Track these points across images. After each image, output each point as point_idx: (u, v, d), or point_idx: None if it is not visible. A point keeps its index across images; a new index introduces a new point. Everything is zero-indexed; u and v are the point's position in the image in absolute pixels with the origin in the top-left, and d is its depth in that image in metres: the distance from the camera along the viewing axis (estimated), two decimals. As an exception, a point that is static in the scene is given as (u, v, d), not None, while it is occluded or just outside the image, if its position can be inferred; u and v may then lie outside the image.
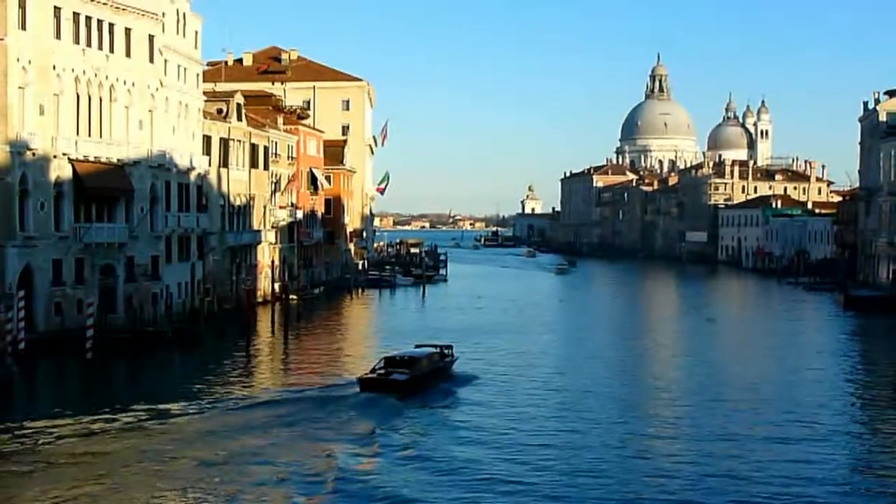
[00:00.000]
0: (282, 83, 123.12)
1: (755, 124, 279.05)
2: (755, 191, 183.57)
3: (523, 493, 29.77)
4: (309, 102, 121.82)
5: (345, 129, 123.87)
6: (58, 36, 58.36)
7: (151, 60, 67.22)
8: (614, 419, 40.72)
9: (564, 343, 67.64)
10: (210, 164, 77.19)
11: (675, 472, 32.51)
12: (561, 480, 31.10)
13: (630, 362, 58.68)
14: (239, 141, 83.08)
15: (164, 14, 68.49)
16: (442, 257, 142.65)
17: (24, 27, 55.68)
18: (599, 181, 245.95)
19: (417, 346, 50.43)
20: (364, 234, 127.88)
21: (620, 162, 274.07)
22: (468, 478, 31.28)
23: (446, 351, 49.74)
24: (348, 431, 37.29)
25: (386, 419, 38.94)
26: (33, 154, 56.12)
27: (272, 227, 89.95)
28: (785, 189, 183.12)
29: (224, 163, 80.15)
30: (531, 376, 51.16)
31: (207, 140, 77.49)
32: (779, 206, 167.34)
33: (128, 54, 64.62)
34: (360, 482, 30.66)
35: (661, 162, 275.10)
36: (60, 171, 58.62)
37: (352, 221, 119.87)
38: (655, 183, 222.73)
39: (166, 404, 41.79)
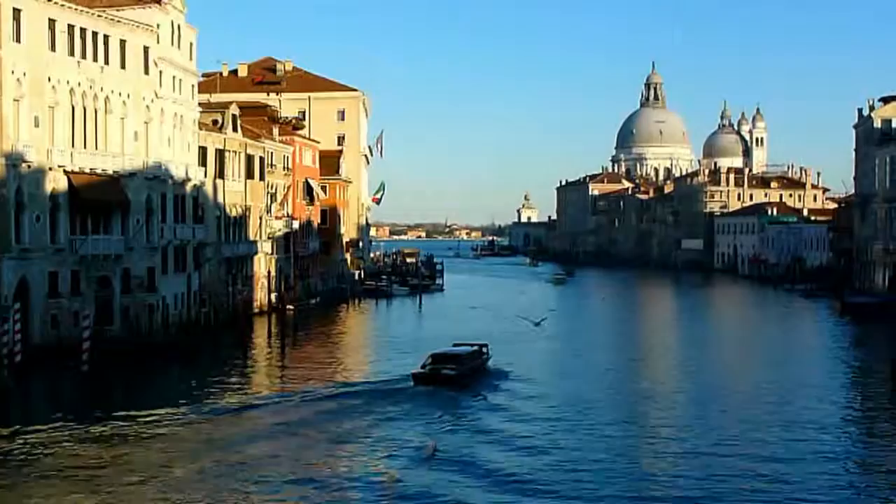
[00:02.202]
0: (277, 94, 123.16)
1: (750, 132, 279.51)
2: (751, 198, 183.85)
3: (566, 458, 35.15)
4: (304, 113, 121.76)
5: (340, 140, 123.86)
6: (52, 48, 58.40)
7: (147, 72, 67.28)
8: (620, 417, 43.49)
9: (572, 350, 68.07)
10: (206, 176, 77.16)
11: (676, 472, 33.19)
12: (593, 451, 36.70)
13: (633, 369, 59.20)
14: (235, 152, 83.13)
15: (158, 26, 68.53)
16: (438, 267, 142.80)
17: (18, 40, 55.73)
18: (595, 189, 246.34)
19: (455, 345, 54.87)
20: (360, 244, 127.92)
21: (616, 170, 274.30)
22: (530, 448, 36.45)
23: (483, 349, 54.35)
24: (420, 418, 41.66)
25: (448, 407, 43.56)
26: (28, 166, 56.13)
27: (268, 237, 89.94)
28: (780, 196, 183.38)
29: (220, 174, 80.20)
30: (552, 373, 56.25)
31: (203, 151, 77.50)
32: (774, 213, 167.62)
33: (123, 66, 64.67)
34: (452, 453, 35.46)
35: (656, 170, 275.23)
36: (56, 183, 58.64)
37: (348, 231, 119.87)
38: (651, 191, 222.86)
39: (163, 414, 41.87)
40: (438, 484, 31.41)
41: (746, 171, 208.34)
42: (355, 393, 46.95)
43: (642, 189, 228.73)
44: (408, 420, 41.37)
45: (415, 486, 31.10)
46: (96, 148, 62.53)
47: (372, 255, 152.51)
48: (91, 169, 61.41)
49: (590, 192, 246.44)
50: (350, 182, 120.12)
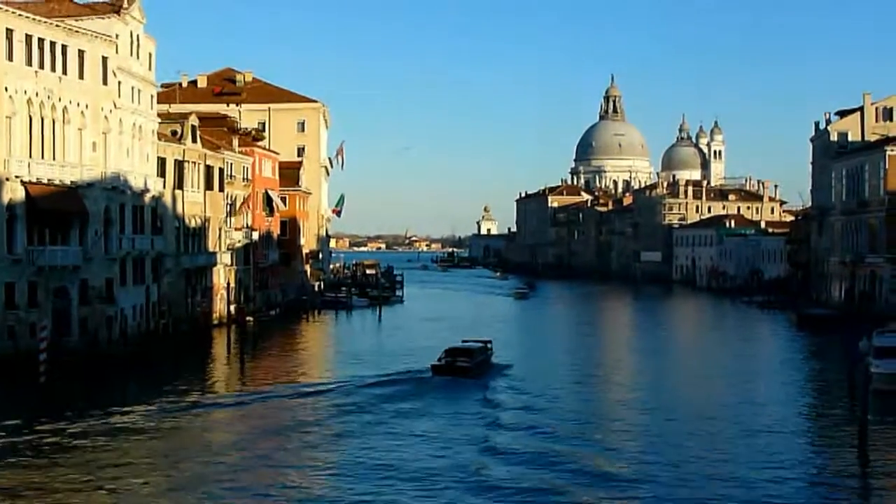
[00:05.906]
0: (237, 105, 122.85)
1: (708, 145, 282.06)
2: (709, 211, 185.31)
3: (553, 418, 45.36)
4: (264, 124, 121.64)
5: (300, 151, 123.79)
6: (10, 58, 57.93)
7: (105, 82, 66.84)
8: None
9: (539, 359, 68.67)
10: (165, 186, 76.79)
11: (632, 485, 33.09)
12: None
13: (590, 382, 59.43)
14: (194, 163, 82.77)
15: (117, 36, 68.12)
16: (398, 279, 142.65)
17: (-25, 49, 55.28)
18: (555, 202, 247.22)
19: (464, 341, 61.65)
20: (320, 256, 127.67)
21: (575, 182, 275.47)
22: (547, 414, 46.10)
23: (488, 345, 61.15)
24: (446, 399, 49.72)
25: (479, 391, 51.39)
26: (-15, 176, 55.64)
27: (228, 248, 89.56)
28: (738, 209, 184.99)
29: (179, 185, 79.78)
30: (539, 370, 62.28)
31: (162, 162, 77.11)
32: (732, 225, 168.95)
33: (81, 76, 64.23)
34: (501, 419, 44.61)
35: (615, 182, 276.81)
36: (13, 193, 58.11)
37: (308, 243, 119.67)
38: (610, 203, 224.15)
39: (120, 425, 41.82)
40: (481, 437, 40.17)
41: (705, 183, 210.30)
42: (389, 382, 54.14)
43: (601, 201, 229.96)
44: (437, 402, 48.84)
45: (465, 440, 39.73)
46: (54, 158, 62.02)
47: (332, 266, 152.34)
48: (49, 179, 60.88)
49: (549, 205, 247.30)
50: (310, 193, 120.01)
